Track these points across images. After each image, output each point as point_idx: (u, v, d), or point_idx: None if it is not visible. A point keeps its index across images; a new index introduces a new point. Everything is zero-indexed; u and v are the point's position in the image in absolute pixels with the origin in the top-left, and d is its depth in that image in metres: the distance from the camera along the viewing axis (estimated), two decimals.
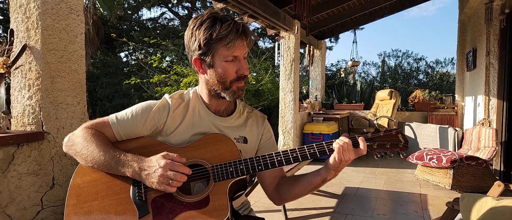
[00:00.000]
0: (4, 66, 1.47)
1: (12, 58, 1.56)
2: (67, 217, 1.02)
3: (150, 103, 1.17)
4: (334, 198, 3.43)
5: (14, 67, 1.57)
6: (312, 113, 6.11)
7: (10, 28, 1.62)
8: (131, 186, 1.05)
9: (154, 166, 0.99)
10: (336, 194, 3.55)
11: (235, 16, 1.19)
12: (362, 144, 1.06)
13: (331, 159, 1.06)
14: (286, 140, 5.17)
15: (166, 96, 1.20)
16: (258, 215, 1.32)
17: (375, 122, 5.49)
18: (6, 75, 1.52)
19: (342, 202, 3.32)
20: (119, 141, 1.14)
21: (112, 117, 1.14)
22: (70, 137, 1.11)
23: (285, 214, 2.90)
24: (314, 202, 3.29)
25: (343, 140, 1.06)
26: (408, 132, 5.58)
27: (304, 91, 8.32)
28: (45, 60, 1.55)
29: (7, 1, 11.42)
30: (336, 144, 1.06)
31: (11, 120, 1.65)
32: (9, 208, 1.45)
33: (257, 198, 3.37)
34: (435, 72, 13.81)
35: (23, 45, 1.56)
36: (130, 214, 1.01)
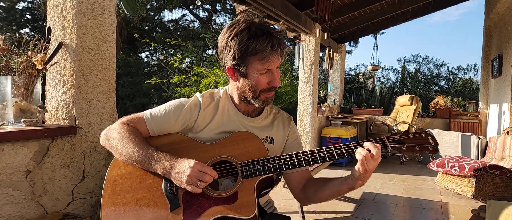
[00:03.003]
0: (42, 62, 1.54)
1: (48, 55, 1.63)
2: (103, 207, 1.07)
3: (182, 101, 1.21)
4: (352, 203, 3.40)
5: (50, 64, 1.64)
6: (330, 116, 6.08)
7: (48, 26, 1.70)
8: (163, 180, 1.09)
9: (184, 166, 1.03)
10: (354, 199, 3.52)
11: (263, 18, 1.19)
12: (371, 147, 1.03)
13: (356, 170, 1.05)
14: (304, 143, 5.16)
15: (197, 95, 1.24)
16: None
17: (394, 127, 5.41)
18: (43, 71, 1.59)
19: (360, 207, 3.29)
20: (152, 136, 1.18)
21: (146, 113, 1.18)
22: (107, 131, 1.16)
23: (303, 217, 2.90)
24: (332, 206, 3.28)
25: (365, 150, 1.03)
26: None
27: (322, 95, 8.28)
28: (79, 57, 1.62)
29: (35, 1, 11.82)
30: (358, 155, 1.04)
31: (46, 114, 1.72)
32: (42, 198, 1.52)
33: (275, 199, 3.37)
34: (458, 79, 13.49)
35: (59, 43, 1.64)
36: (162, 207, 1.05)
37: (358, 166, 1.04)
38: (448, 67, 13.90)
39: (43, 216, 1.48)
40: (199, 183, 1.01)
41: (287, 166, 1.10)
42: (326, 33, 5.53)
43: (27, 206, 1.45)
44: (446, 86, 13.29)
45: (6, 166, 1.37)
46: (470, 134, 4.96)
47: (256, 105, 1.20)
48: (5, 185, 1.37)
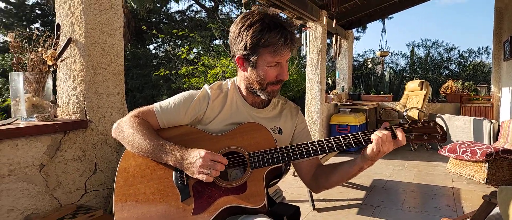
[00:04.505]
0: (52, 58, 1.56)
1: (58, 51, 1.65)
2: (116, 197, 1.10)
3: (192, 94, 1.22)
4: (362, 190, 3.41)
5: (60, 59, 1.67)
6: (338, 104, 6.05)
7: (57, 22, 1.72)
8: (174, 171, 1.11)
9: (195, 156, 1.05)
10: (364, 186, 3.53)
11: (278, 14, 1.19)
12: (400, 135, 1.06)
13: (368, 150, 1.07)
14: (312, 131, 5.16)
15: (206, 87, 1.25)
16: None
17: (404, 113, 5.36)
18: (54, 67, 1.61)
19: (370, 194, 3.30)
20: (162, 128, 1.20)
21: (156, 106, 1.20)
22: (119, 124, 1.19)
23: (313, 205, 2.92)
24: (342, 194, 3.29)
25: (382, 132, 1.06)
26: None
27: (330, 82, 8.23)
28: (88, 52, 1.64)
29: None
30: (374, 136, 1.06)
31: (57, 109, 1.76)
32: (57, 191, 1.56)
33: (284, 188, 3.40)
34: (469, 63, 13.22)
35: (68, 38, 1.66)
36: (173, 197, 1.07)
37: (372, 146, 1.06)
38: (458, 51, 13.62)
39: (58, 209, 1.52)
40: (210, 171, 1.03)
41: (295, 156, 1.11)
42: (334, 20, 5.46)
43: (41, 199, 1.49)
44: (457, 70, 13.06)
45: (20, 161, 1.41)
46: (482, 118, 4.90)
47: (262, 97, 1.21)
48: (20, 179, 1.41)
